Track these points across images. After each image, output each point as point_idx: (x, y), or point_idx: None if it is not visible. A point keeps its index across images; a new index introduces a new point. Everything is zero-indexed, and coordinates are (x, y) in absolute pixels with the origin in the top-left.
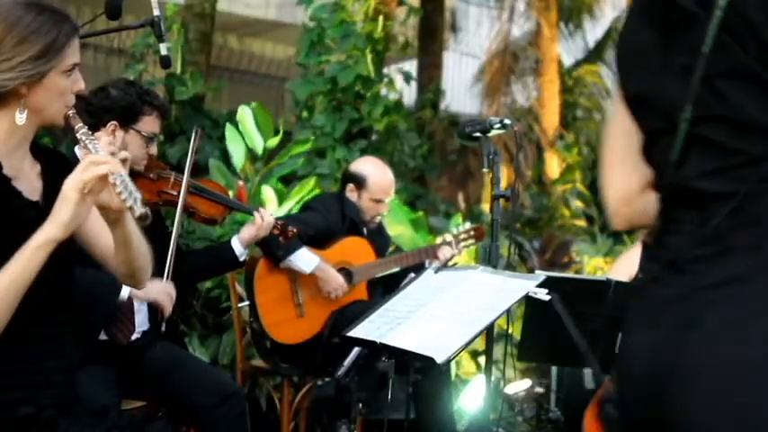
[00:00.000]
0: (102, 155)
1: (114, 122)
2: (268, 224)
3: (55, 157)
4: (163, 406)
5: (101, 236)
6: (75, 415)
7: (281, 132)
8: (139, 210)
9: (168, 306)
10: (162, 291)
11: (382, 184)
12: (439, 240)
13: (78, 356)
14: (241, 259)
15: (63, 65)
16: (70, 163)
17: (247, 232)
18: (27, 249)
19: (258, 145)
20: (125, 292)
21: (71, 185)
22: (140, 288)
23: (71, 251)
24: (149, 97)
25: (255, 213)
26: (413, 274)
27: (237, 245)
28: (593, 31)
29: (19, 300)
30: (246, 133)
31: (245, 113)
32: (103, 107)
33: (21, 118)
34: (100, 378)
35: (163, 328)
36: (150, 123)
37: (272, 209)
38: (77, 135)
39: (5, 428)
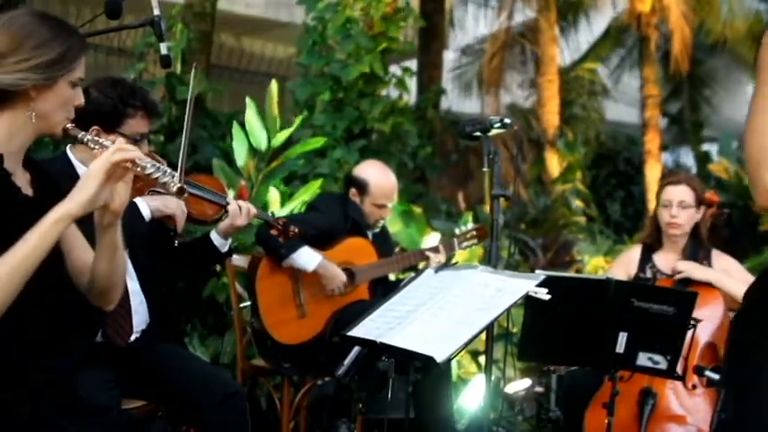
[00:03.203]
0: (127, 144)
1: (96, 128)
2: (246, 212)
3: (43, 172)
4: (163, 405)
5: (75, 247)
6: (75, 415)
7: (293, 129)
8: (176, 184)
9: (182, 222)
10: (177, 206)
11: (384, 189)
12: (434, 240)
13: (78, 356)
14: (223, 250)
15: (72, 75)
16: (58, 182)
17: (224, 223)
18: (45, 222)
19: (262, 143)
20: (146, 212)
21: (99, 165)
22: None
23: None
24: (133, 99)
25: (230, 202)
26: (413, 274)
27: (216, 236)
28: (590, 30)
29: (31, 273)
30: (252, 131)
31: (251, 109)
32: (84, 112)
33: (32, 121)
34: (100, 378)
35: (176, 243)
36: (136, 125)
37: (275, 210)
38: (85, 141)
39: (5, 428)
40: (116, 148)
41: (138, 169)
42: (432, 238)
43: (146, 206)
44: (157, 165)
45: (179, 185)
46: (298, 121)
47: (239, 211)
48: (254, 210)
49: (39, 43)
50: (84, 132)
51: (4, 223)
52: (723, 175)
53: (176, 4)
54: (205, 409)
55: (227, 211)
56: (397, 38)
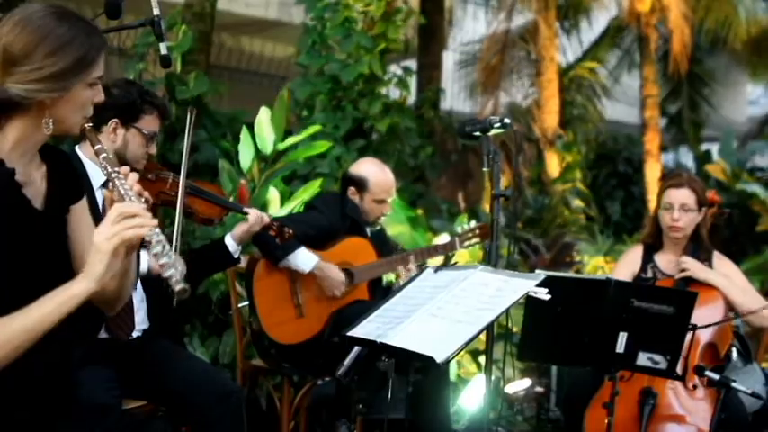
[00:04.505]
0: (135, 204)
1: (115, 120)
2: (259, 220)
3: (60, 158)
4: (163, 405)
5: (84, 244)
6: (74, 415)
7: (303, 136)
8: (180, 284)
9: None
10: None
11: (383, 184)
12: (441, 240)
13: (79, 355)
14: (235, 256)
15: (89, 78)
16: (74, 165)
17: (239, 229)
18: (61, 294)
19: (268, 146)
20: (143, 266)
21: (105, 240)
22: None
23: (68, 253)
24: (150, 96)
25: (249, 211)
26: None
27: (230, 242)
28: (590, 30)
29: (38, 339)
30: (260, 135)
31: (263, 114)
32: (104, 105)
33: (48, 128)
34: (100, 378)
35: (175, 303)
36: (151, 122)
37: (275, 209)
38: (100, 158)
39: (5, 429)
40: (120, 217)
41: (146, 239)
42: (442, 239)
43: (145, 261)
44: (164, 246)
45: (182, 286)
46: (311, 129)
47: (257, 220)
48: (267, 218)
49: (54, 49)
50: (100, 145)
51: (15, 237)
52: (720, 176)
53: (176, 4)
54: (202, 409)
55: (228, 212)
56: (396, 38)
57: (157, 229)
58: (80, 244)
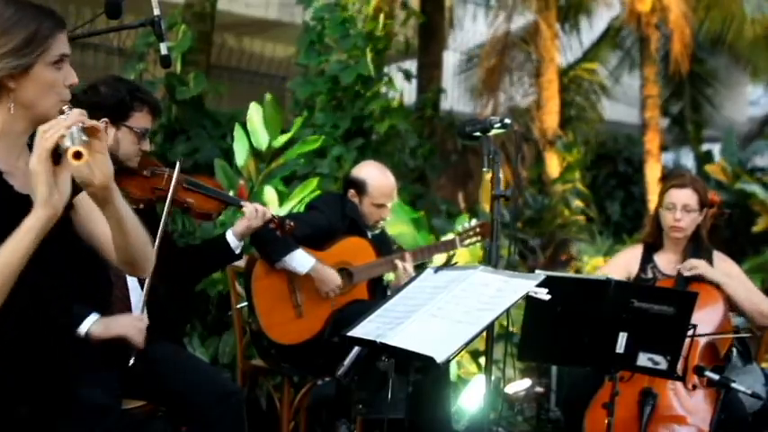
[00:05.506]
0: (55, 120)
1: (105, 120)
2: (261, 214)
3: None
4: (162, 405)
5: (100, 228)
6: (74, 415)
7: (293, 131)
8: (72, 146)
9: (137, 340)
10: (128, 325)
11: (382, 188)
12: (444, 239)
13: (78, 355)
14: (237, 252)
15: (49, 56)
16: None
17: (240, 224)
18: (17, 233)
19: (263, 144)
20: (83, 327)
21: (33, 159)
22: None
23: (69, 249)
24: (140, 93)
25: (245, 204)
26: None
27: (231, 237)
28: (590, 30)
29: (10, 283)
30: (253, 132)
31: (254, 111)
32: (93, 104)
33: (11, 109)
34: (100, 378)
35: (130, 363)
36: (141, 119)
37: (273, 209)
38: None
39: (4, 429)
40: (40, 133)
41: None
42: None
43: (88, 323)
44: (74, 133)
45: (75, 149)
46: (298, 123)
47: (255, 213)
48: (269, 213)
49: (2, 31)
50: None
51: (4, 223)
52: (720, 176)
53: (177, 4)
54: (202, 409)
55: (227, 207)
56: (388, 34)
57: (74, 127)
58: (102, 234)
